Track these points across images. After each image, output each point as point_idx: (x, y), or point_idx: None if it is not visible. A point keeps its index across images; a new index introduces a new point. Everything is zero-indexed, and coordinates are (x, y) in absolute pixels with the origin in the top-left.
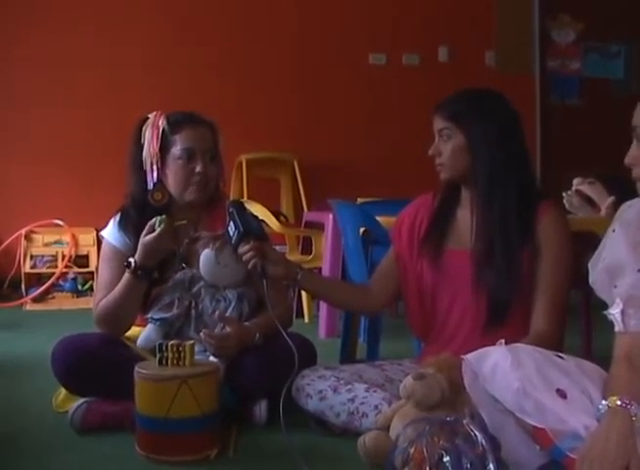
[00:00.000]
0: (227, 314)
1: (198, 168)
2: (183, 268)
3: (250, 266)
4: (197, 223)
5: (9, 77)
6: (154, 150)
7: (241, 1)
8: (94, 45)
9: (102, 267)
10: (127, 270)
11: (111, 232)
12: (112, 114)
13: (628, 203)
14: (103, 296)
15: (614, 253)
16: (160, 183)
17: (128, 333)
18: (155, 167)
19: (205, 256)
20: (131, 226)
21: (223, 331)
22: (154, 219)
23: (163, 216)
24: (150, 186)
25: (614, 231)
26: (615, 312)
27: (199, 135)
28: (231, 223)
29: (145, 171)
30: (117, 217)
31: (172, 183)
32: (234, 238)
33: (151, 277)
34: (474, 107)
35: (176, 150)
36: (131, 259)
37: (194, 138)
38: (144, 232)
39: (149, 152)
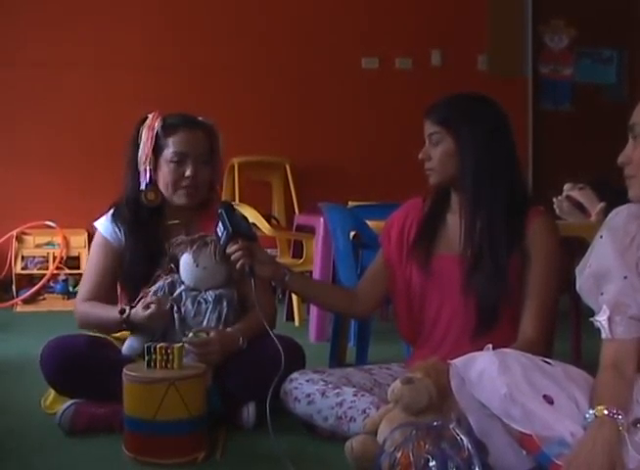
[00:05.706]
0: (206, 316)
1: (187, 173)
2: (171, 269)
3: (238, 266)
4: (189, 224)
5: None
6: (147, 151)
7: (232, 3)
8: (82, 46)
9: (90, 256)
10: (118, 314)
11: (103, 223)
12: (102, 115)
13: (616, 209)
14: (86, 289)
15: (600, 259)
16: (154, 184)
17: (117, 334)
18: (147, 168)
19: (184, 259)
20: (123, 221)
21: (205, 337)
22: (150, 297)
23: (156, 297)
24: (142, 186)
25: (601, 237)
26: (601, 319)
27: (192, 139)
28: (220, 224)
29: (139, 171)
30: (111, 211)
31: (163, 185)
32: (223, 238)
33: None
34: (463, 112)
35: (168, 153)
36: (126, 308)
37: (187, 142)
38: (138, 306)
39: (142, 153)
